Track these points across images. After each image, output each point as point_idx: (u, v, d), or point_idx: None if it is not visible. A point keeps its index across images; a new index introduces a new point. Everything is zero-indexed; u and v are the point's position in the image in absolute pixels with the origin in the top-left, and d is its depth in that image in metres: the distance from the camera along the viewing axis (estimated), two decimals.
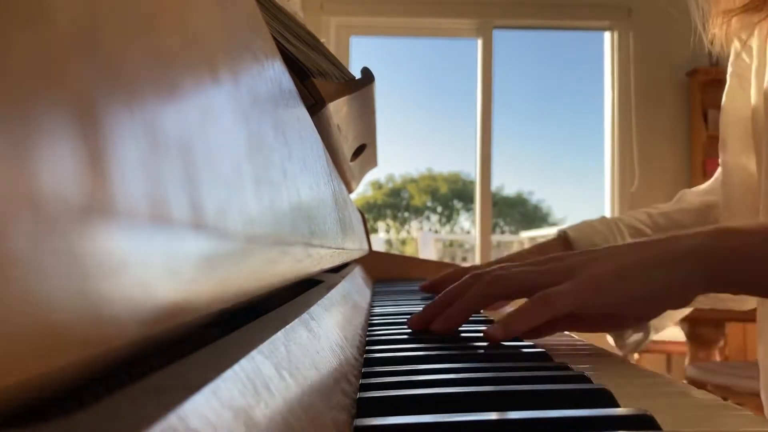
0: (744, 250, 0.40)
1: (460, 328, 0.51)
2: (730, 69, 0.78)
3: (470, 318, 0.60)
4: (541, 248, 0.84)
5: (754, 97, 0.70)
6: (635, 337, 0.58)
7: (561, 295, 0.40)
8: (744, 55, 0.75)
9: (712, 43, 0.73)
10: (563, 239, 0.82)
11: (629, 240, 0.80)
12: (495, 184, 3.24)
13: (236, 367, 0.15)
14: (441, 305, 0.47)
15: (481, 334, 0.48)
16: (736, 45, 0.76)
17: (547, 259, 0.46)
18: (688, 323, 2.07)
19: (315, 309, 0.33)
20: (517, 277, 0.44)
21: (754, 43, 0.70)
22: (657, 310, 0.42)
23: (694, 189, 0.88)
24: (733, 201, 0.77)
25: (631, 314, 0.43)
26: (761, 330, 0.67)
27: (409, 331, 0.50)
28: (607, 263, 0.41)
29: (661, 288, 0.40)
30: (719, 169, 0.80)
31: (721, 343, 2.30)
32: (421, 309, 0.50)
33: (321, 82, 0.57)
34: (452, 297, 0.47)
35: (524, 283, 0.43)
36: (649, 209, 0.86)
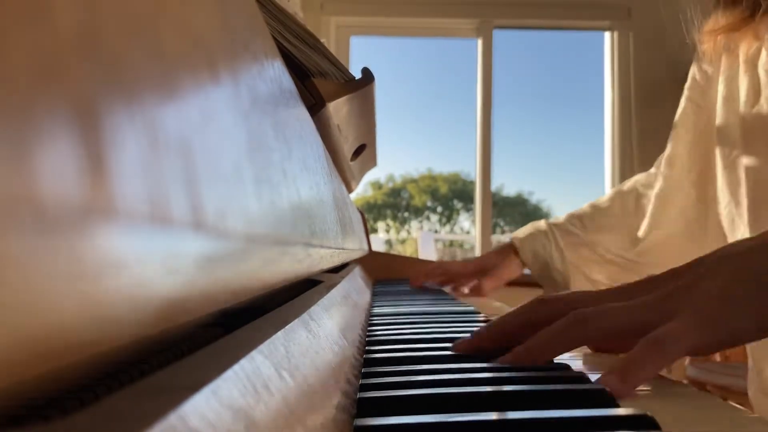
0: None
1: (460, 328, 0.51)
2: (686, 93, 0.86)
3: (468, 318, 0.60)
4: (498, 252, 1.03)
5: (721, 121, 0.74)
6: None
7: (674, 337, 0.33)
8: (701, 82, 0.81)
9: (701, 57, 0.78)
10: (513, 247, 1.01)
11: (561, 243, 0.97)
12: (495, 184, 3.23)
13: (236, 367, 0.15)
14: (496, 333, 0.40)
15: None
16: (694, 71, 0.81)
17: (633, 288, 0.39)
18: None
19: (315, 309, 0.33)
20: (614, 315, 0.36)
21: (722, 71, 0.74)
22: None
23: (623, 187, 1.02)
24: (664, 215, 0.86)
25: (750, 341, 0.36)
26: None
27: (409, 331, 0.50)
28: (714, 285, 0.35)
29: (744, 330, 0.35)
30: (658, 184, 0.88)
31: None
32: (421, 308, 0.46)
33: (321, 82, 0.57)
34: (521, 324, 0.39)
35: (623, 324, 0.36)
36: (580, 212, 1.01)
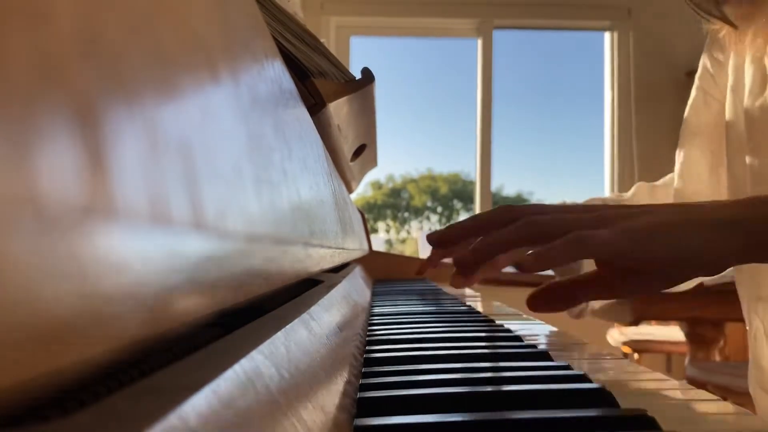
0: None
1: (460, 328, 0.51)
2: (697, 83, 0.82)
3: (468, 318, 0.60)
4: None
5: (729, 112, 0.72)
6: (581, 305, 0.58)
7: (597, 239, 0.38)
8: (712, 71, 0.78)
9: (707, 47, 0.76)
10: None
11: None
12: (495, 184, 3.24)
13: (236, 367, 0.15)
14: (465, 230, 0.45)
15: (480, 334, 0.48)
16: (705, 60, 0.79)
17: (583, 207, 0.44)
18: (687, 323, 2.07)
19: (315, 309, 0.33)
20: (555, 222, 0.41)
21: (731, 59, 0.73)
22: (691, 273, 0.41)
23: (650, 184, 0.93)
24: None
25: (662, 275, 0.41)
26: (749, 319, 0.68)
27: (409, 330, 0.50)
28: (647, 218, 0.40)
29: (700, 251, 0.39)
30: (676, 171, 0.84)
31: (721, 343, 2.30)
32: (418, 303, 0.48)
33: (321, 82, 0.57)
34: (479, 227, 0.44)
35: (561, 227, 0.40)
36: (610, 195, 0.91)
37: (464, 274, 0.43)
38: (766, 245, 0.40)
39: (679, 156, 0.83)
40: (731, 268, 0.74)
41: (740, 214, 0.40)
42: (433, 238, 0.47)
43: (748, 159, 0.68)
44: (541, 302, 0.41)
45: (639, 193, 0.91)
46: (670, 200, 0.84)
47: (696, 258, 0.39)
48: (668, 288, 0.42)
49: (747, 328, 0.69)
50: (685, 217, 0.40)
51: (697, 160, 0.80)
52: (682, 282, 0.42)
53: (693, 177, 0.81)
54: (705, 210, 0.41)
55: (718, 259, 0.40)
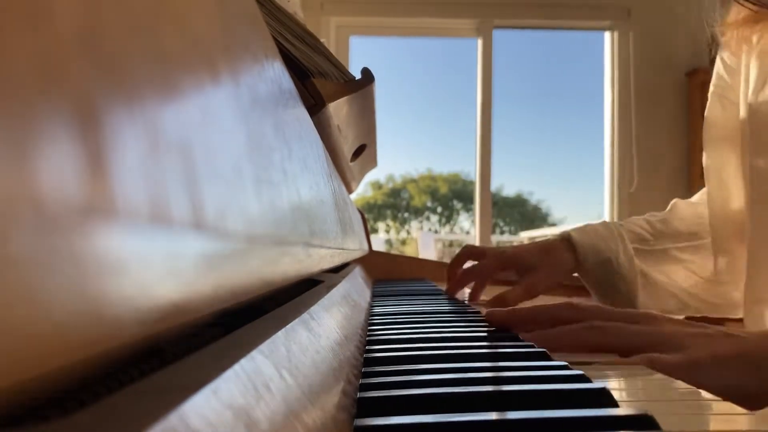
0: None
1: (460, 328, 0.51)
2: (711, 88, 0.81)
3: (468, 318, 0.60)
4: (542, 247, 0.84)
5: (743, 113, 0.72)
6: None
7: (663, 367, 0.38)
8: (725, 76, 0.77)
9: (711, 48, 0.76)
10: (566, 241, 0.82)
11: (629, 246, 0.82)
12: (495, 184, 3.24)
13: (236, 367, 0.15)
14: (528, 318, 0.47)
15: (480, 334, 0.48)
16: (718, 65, 0.79)
17: (644, 316, 0.45)
18: None
19: (315, 309, 0.33)
20: (625, 333, 0.42)
21: (743, 61, 0.72)
22: (749, 406, 0.40)
23: (685, 200, 0.92)
24: (714, 214, 0.80)
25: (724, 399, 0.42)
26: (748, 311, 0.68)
27: (409, 330, 0.50)
28: (712, 344, 0.40)
29: (754, 388, 0.38)
30: (707, 185, 0.83)
31: None
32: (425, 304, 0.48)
33: (321, 82, 0.57)
34: (542, 320, 0.46)
35: (631, 341, 0.41)
36: (647, 216, 0.88)
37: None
38: None
39: (705, 162, 0.82)
40: None
41: None
42: (495, 320, 0.48)
43: (751, 158, 0.68)
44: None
45: (676, 210, 0.89)
46: (707, 214, 0.82)
47: (752, 396, 0.38)
48: None
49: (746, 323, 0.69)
50: (744, 347, 0.40)
51: (720, 165, 0.79)
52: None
53: (718, 182, 0.80)
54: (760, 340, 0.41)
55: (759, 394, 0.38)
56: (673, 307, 0.85)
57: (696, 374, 0.38)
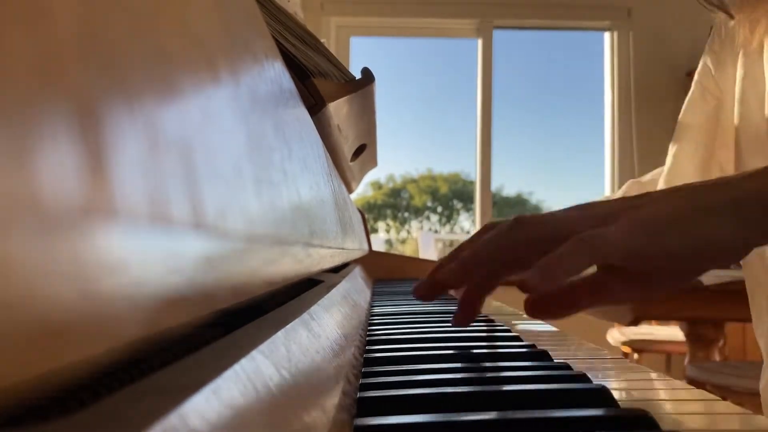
0: None
1: (459, 329, 0.51)
2: (696, 77, 0.81)
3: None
4: None
5: (740, 109, 0.72)
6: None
7: (606, 239, 0.34)
8: (713, 69, 0.77)
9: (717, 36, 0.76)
10: None
11: None
12: (495, 184, 3.24)
13: (236, 367, 0.15)
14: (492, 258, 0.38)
15: (479, 334, 0.48)
16: (706, 57, 0.79)
17: (578, 206, 0.39)
18: (687, 323, 2.07)
19: (315, 309, 0.33)
20: (550, 221, 0.37)
21: (741, 54, 0.72)
22: (708, 265, 0.36)
23: (638, 180, 0.92)
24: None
25: (674, 273, 0.36)
26: (756, 312, 0.67)
27: (409, 330, 0.50)
28: (659, 206, 0.35)
29: (721, 237, 0.34)
30: (666, 165, 0.83)
31: (721, 342, 2.30)
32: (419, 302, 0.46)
33: (321, 82, 0.57)
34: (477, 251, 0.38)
35: (560, 228, 0.36)
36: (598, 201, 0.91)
37: (467, 313, 0.39)
38: None
39: (671, 149, 0.83)
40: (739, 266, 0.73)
41: (762, 190, 0.35)
42: (421, 292, 0.41)
43: (746, 157, 0.67)
44: (540, 308, 0.37)
45: (630, 192, 0.90)
46: None
47: (717, 245, 0.35)
48: (676, 287, 0.37)
49: (755, 326, 0.69)
50: (698, 199, 0.35)
51: (688, 154, 0.80)
52: (694, 277, 0.36)
53: (682, 171, 0.80)
54: (718, 189, 0.36)
55: (742, 243, 0.35)
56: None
57: (652, 239, 0.34)
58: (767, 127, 0.65)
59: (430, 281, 0.41)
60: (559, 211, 0.39)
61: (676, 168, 0.81)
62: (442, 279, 0.40)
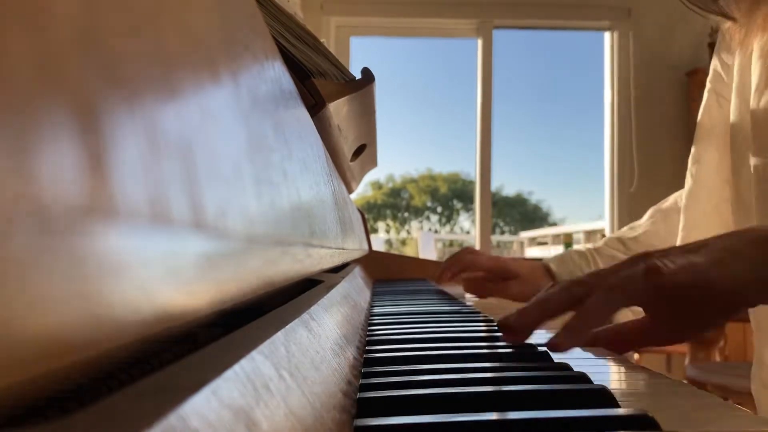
0: None
1: (460, 328, 0.51)
2: (708, 85, 0.80)
3: (468, 318, 0.60)
4: (529, 263, 0.92)
5: (734, 114, 0.71)
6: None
7: (631, 280, 0.40)
8: (723, 73, 0.77)
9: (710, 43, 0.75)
10: (547, 269, 0.91)
11: (602, 266, 0.86)
12: (495, 184, 3.24)
13: (236, 367, 0.15)
14: (542, 313, 0.44)
15: (479, 334, 0.48)
16: (714, 62, 0.78)
17: (632, 259, 0.44)
18: None
19: (315, 309, 0.33)
20: (631, 280, 0.42)
21: (737, 60, 0.72)
22: (738, 307, 0.42)
23: (661, 208, 0.93)
24: (698, 212, 0.80)
25: (709, 311, 0.43)
26: (757, 322, 0.68)
27: (409, 330, 0.50)
28: (702, 252, 0.42)
29: (750, 280, 0.41)
30: (687, 184, 0.82)
31: (721, 343, 2.30)
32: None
33: (321, 82, 0.57)
34: (555, 306, 0.44)
35: (593, 285, 0.42)
36: (621, 233, 0.93)
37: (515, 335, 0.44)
38: None
39: (693, 157, 0.81)
40: None
41: (756, 258, 0.41)
42: (506, 327, 0.45)
43: (752, 160, 0.67)
44: (602, 345, 0.44)
45: (656, 220, 0.91)
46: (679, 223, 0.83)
47: (745, 288, 0.41)
48: (709, 328, 0.44)
49: (753, 327, 0.69)
50: (726, 245, 0.42)
51: (710, 160, 0.79)
52: (727, 319, 0.43)
53: (707, 178, 0.80)
54: (744, 236, 0.43)
55: (760, 293, 0.41)
56: None
57: (700, 274, 0.40)
58: (752, 134, 0.66)
59: (513, 325, 0.45)
60: (624, 270, 0.44)
61: (701, 174, 0.80)
62: (529, 322, 0.45)
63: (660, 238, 0.89)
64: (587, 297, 0.42)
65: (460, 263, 0.93)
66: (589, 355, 0.44)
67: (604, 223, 3.30)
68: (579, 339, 0.41)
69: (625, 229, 0.94)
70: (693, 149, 0.82)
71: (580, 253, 0.92)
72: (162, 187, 0.12)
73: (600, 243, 0.94)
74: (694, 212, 0.81)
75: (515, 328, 0.43)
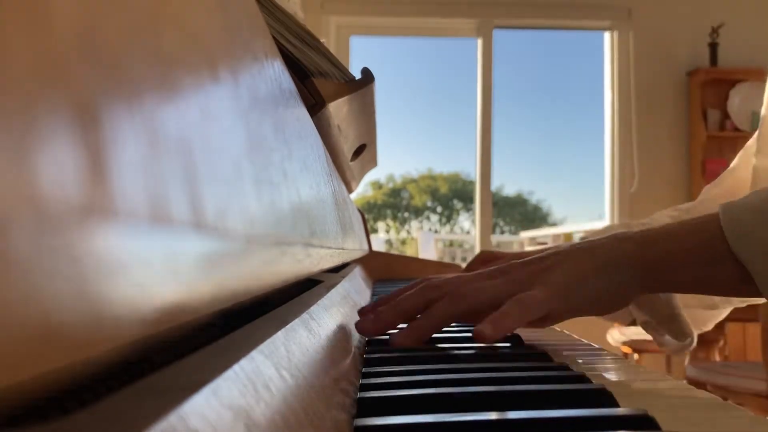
0: (666, 257, 0.45)
1: (460, 328, 0.51)
2: None
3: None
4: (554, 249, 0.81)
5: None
6: (672, 341, 0.59)
7: (535, 300, 0.43)
8: None
9: None
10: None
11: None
12: (495, 184, 3.24)
13: (236, 367, 0.15)
14: (397, 315, 0.46)
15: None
16: None
17: (499, 270, 0.47)
18: None
19: (315, 309, 0.33)
20: (483, 291, 0.45)
21: None
22: (607, 311, 0.47)
23: (715, 182, 0.86)
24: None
25: (588, 314, 0.48)
26: None
27: None
28: (566, 268, 0.46)
29: (608, 293, 0.46)
30: (733, 166, 0.79)
31: (721, 343, 2.30)
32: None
33: (321, 82, 0.57)
34: (410, 307, 0.46)
35: (491, 298, 0.44)
36: (671, 210, 0.84)
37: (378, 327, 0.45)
38: (654, 282, 0.46)
39: (757, 163, 0.74)
40: None
41: (631, 254, 0.45)
42: (366, 332, 0.47)
43: (754, 159, 0.66)
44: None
45: (704, 194, 0.82)
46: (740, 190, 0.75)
47: (608, 299, 0.46)
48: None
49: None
50: (592, 263, 0.46)
51: None
52: (603, 316, 0.49)
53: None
54: (603, 252, 0.46)
55: (624, 295, 0.46)
56: (716, 301, 0.82)
57: (566, 300, 0.44)
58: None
59: (372, 326, 0.47)
60: (483, 278, 0.47)
61: (761, 177, 0.73)
62: (386, 322, 0.46)
63: (717, 202, 0.82)
64: (436, 302, 0.45)
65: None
66: (591, 351, 0.44)
67: (604, 224, 3.30)
68: (414, 340, 0.43)
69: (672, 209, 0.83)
70: (759, 139, 0.75)
71: (625, 225, 0.78)
72: (162, 187, 0.12)
73: (650, 218, 0.82)
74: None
75: (369, 330, 0.45)
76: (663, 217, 0.81)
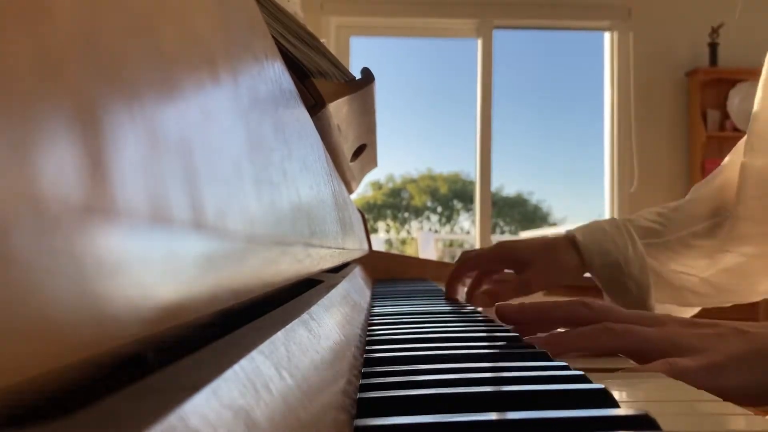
0: None
1: (460, 328, 0.51)
2: (762, 80, 0.74)
3: (468, 318, 0.60)
4: (544, 243, 0.79)
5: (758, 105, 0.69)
6: None
7: (683, 371, 0.39)
8: None
9: None
10: (571, 241, 0.77)
11: (639, 244, 0.76)
12: (495, 184, 3.24)
13: (236, 367, 0.15)
14: (542, 313, 0.46)
15: (479, 334, 0.48)
16: None
17: (652, 318, 0.45)
18: None
19: (315, 309, 0.33)
20: (638, 337, 0.42)
21: None
22: (754, 404, 0.43)
23: (705, 181, 0.85)
24: (747, 203, 0.74)
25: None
26: None
27: (409, 330, 0.50)
28: (722, 348, 0.41)
29: (761, 385, 0.41)
30: (726, 163, 0.79)
31: None
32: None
33: (321, 82, 0.57)
34: (556, 317, 0.46)
35: (645, 346, 0.42)
36: (659, 207, 0.82)
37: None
38: None
39: (747, 161, 0.75)
40: None
41: None
42: (506, 314, 0.47)
43: (743, 157, 0.66)
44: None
45: (692, 193, 0.83)
46: (730, 182, 0.75)
47: (762, 393, 0.41)
48: None
49: None
50: (752, 347, 0.41)
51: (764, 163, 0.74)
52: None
53: (757, 174, 0.74)
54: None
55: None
56: (693, 301, 0.81)
57: (716, 378, 0.40)
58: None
59: (516, 315, 0.48)
60: (641, 319, 0.45)
61: (750, 174, 0.74)
62: (526, 319, 0.47)
63: (704, 201, 0.80)
64: (590, 322, 0.43)
65: (464, 268, 0.81)
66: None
67: None
68: (555, 350, 0.41)
69: (658, 207, 0.84)
70: (748, 137, 0.76)
71: (611, 222, 0.78)
72: (162, 187, 0.12)
73: (635, 215, 0.82)
74: (744, 202, 0.74)
75: (511, 318, 0.46)
76: (650, 214, 0.81)
